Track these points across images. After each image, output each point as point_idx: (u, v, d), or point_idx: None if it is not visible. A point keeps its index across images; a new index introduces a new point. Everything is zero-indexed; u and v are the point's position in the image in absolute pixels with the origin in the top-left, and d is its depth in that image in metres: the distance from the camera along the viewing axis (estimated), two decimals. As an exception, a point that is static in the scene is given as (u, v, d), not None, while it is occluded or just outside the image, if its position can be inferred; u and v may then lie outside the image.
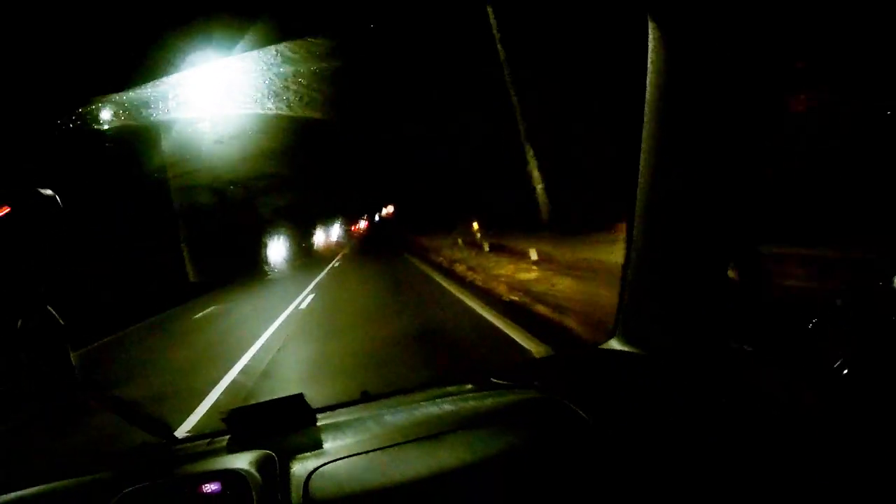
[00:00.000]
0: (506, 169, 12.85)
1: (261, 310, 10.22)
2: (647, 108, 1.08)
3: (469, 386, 1.35)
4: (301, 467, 1.03)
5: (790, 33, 1.01)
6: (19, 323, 1.00)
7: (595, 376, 1.32)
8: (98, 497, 1.02)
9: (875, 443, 0.88)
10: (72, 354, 1.06)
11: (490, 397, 1.23)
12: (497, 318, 5.58)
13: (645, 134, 1.11)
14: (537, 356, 4.10)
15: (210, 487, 0.96)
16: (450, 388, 1.36)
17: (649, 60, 1.04)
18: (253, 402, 1.26)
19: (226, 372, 5.53)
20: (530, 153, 10.61)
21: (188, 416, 4.31)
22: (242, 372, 5.48)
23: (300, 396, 1.20)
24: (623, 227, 1.26)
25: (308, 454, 1.08)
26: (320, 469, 1.01)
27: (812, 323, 0.98)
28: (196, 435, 1.32)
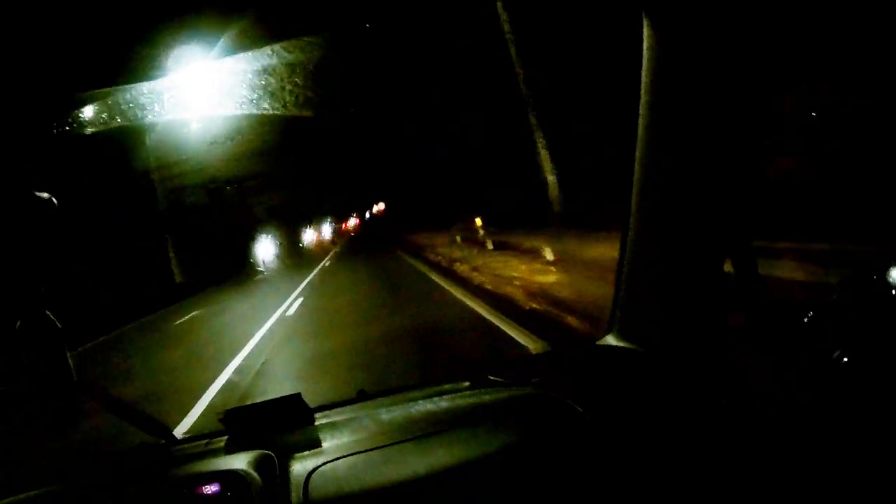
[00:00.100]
0: (503, 166, 12.86)
1: (245, 316, 9.41)
2: (642, 106, 1.08)
3: (466, 383, 1.35)
4: (300, 467, 1.03)
5: (788, 32, 1.01)
6: (18, 324, 1.00)
7: (592, 373, 1.33)
8: (97, 499, 1.02)
9: (873, 439, 0.88)
10: (69, 356, 1.06)
11: (487, 394, 1.23)
12: (521, 334, 4.60)
13: (640, 131, 1.11)
14: (534, 352, 4.10)
15: (209, 488, 0.95)
16: (446, 386, 1.36)
17: (644, 58, 1.04)
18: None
19: (193, 402, 4.73)
20: (541, 142, 9.85)
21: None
22: (210, 408, 4.56)
23: (297, 396, 1.20)
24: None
25: (307, 454, 1.07)
26: (320, 468, 1.01)
27: (808, 317, 0.98)
28: (193, 436, 1.32)
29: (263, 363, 5.64)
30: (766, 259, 1.16)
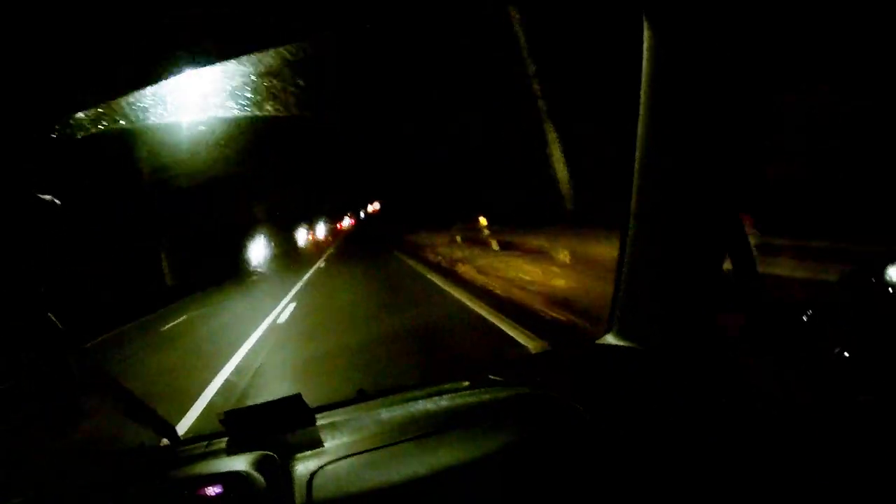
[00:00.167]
0: (502, 166, 12.83)
1: (233, 324, 8.73)
2: (642, 106, 1.09)
3: (466, 383, 1.35)
4: (303, 467, 1.03)
5: (788, 32, 1.01)
6: (19, 325, 1.00)
7: (592, 372, 1.33)
8: (98, 501, 1.02)
9: (872, 437, 0.88)
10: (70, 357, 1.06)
11: (487, 394, 1.24)
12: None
13: (640, 131, 1.11)
14: (533, 351, 4.09)
15: (212, 490, 0.95)
16: (446, 386, 1.36)
17: (644, 60, 1.05)
18: None
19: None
20: (552, 134, 9.23)
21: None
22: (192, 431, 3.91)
23: (298, 396, 1.20)
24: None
25: (308, 454, 1.07)
26: (322, 469, 1.01)
27: (807, 315, 0.98)
28: (193, 437, 1.31)
29: (243, 393, 4.75)
30: (764, 256, 1.17)
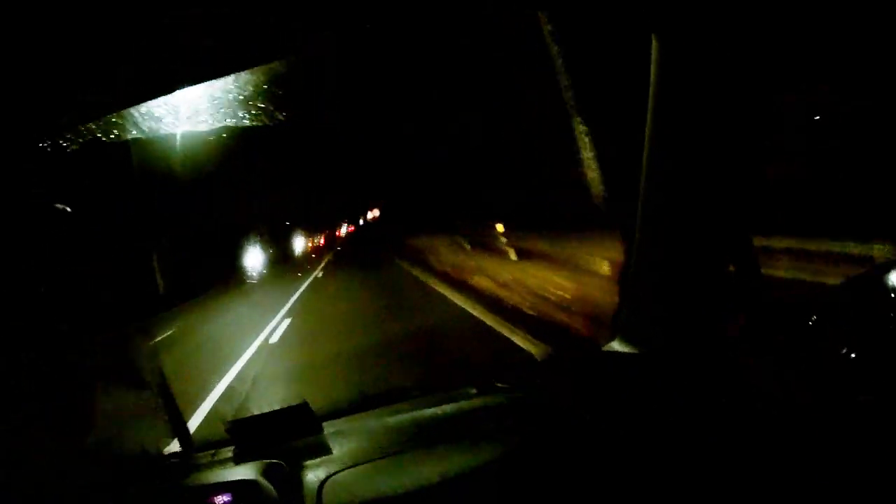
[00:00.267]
0: (502, 166, 12.79)
1: (222, 341, 7.47)
2: (649, 117, 1.10)
3: (473, 390, 1.35)
4: (312, 476, 1.02)
5: (788, 32, 1.02)
6: (20, 325, 1.00)
7: (598, 378, 1.33)
8: None
9: (872, 437, 0.88)
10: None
11: (494, 401, 1.24)
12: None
13: (647, 142, 1.13)
14: (539, 358, 4.06)
15: (221, 499, 0.94)
16: (453, 393, 1.36)
17: (652, 74, 1.07)
18: None
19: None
20: (581, 127, 9.50)
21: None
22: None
23: (305, 405, 1.18)
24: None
25: (317, 462, 1.07)
26: (332, 477, 1.00)
27: (811, 321, 0.98)
28: (199, 446, 1.30)
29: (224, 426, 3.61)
30: (764, 257, 1.18)
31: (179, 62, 0.97)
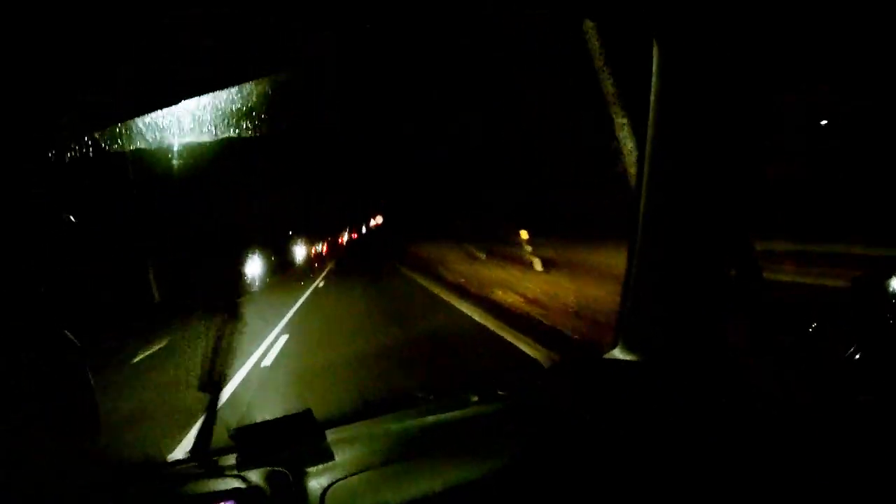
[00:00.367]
0: (504, 167, 12.79)
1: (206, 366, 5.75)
2: (650, 123, 1.11)
3: (475, 397, 1.36)
4: (315, 483, 1.02)
5: (787, 33, 1.02)
6: (20, 325, 1.00)
7: (599, 386, 1.33)
8: None
9: (872, 437, 0.89)
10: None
11: (496, 409, 1.24)
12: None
13: (647, 149, 1.14)
14: (541, 365, 4.05)
15: None
16: (454, 400, 1.37)
17: (653, 79, 1.08)
18: None
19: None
20: (622, 119, 9.08)
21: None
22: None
23: (308, 412, 1.18)
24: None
25: (320, 469, 1.06)
26: (336, 484, 1.00)
27: (813, 327, 0.99)
28: (202, 453, 1.30)
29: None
30: (766, 261, 1.19)
31: (180, 62, 0.97)
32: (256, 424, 1.19)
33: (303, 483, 1.02)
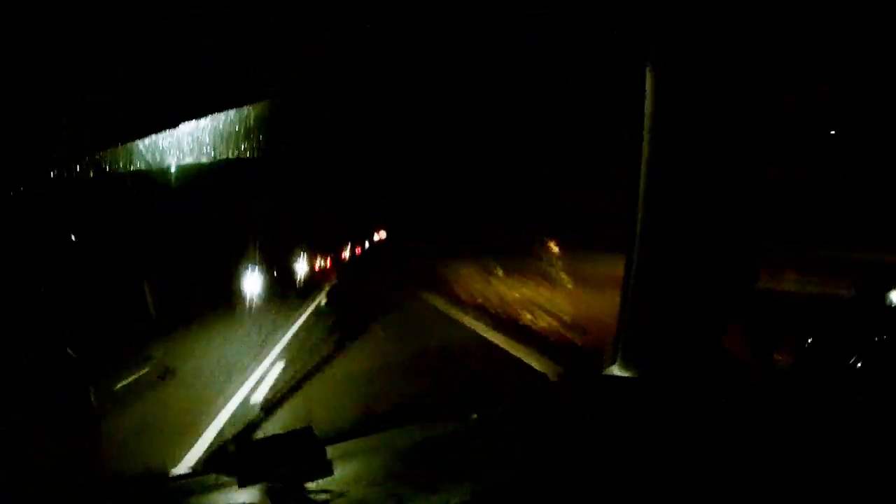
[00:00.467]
0: (504, 167, 12.71)
1: (197, 388, 4.80)
2: (645, 142, 1.12)
3: (474, 416, 1.36)
4: (315, 499, 1.02)
5: (788, 32, 1.03)
6: (20, 325, 1.00)
7: (598, 402, 1.33)
8: None
9: (871, 437, 0.89)
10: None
11: (495, 426, 1.24)
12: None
13: (644, 168, 1.15)
14: (540, 382, 4.03)
15: None
16: (455, 419, 1.37)
17: (647, 100, 1.09)
18: None
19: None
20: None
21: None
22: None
23: (308, 429, 1.18)
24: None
25: (320, 485, 1.07)
26: (333, 501, 1.00)
27: (815, 333, 0.99)
28: (203, 469, 1.30)
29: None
30: (765, 266, 1.20)
31: (180, 62, 0.97)
32: (257, 441, 1.19)
33: (302, 499, 1.02)
